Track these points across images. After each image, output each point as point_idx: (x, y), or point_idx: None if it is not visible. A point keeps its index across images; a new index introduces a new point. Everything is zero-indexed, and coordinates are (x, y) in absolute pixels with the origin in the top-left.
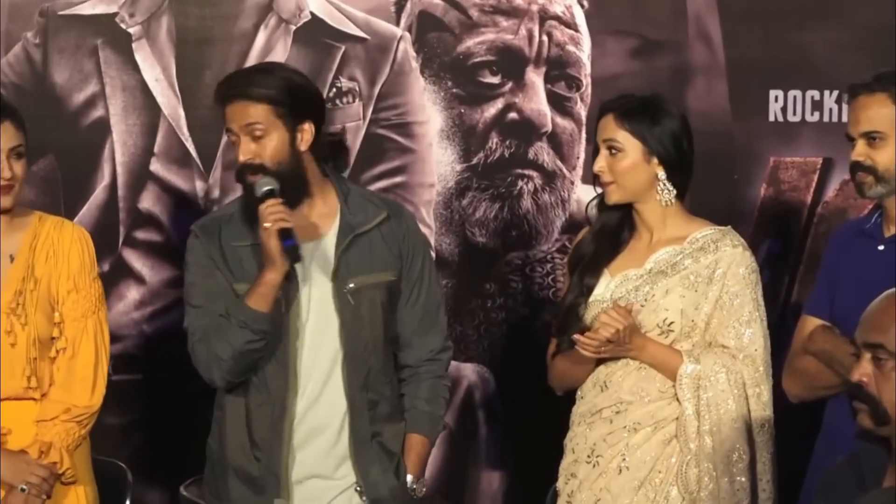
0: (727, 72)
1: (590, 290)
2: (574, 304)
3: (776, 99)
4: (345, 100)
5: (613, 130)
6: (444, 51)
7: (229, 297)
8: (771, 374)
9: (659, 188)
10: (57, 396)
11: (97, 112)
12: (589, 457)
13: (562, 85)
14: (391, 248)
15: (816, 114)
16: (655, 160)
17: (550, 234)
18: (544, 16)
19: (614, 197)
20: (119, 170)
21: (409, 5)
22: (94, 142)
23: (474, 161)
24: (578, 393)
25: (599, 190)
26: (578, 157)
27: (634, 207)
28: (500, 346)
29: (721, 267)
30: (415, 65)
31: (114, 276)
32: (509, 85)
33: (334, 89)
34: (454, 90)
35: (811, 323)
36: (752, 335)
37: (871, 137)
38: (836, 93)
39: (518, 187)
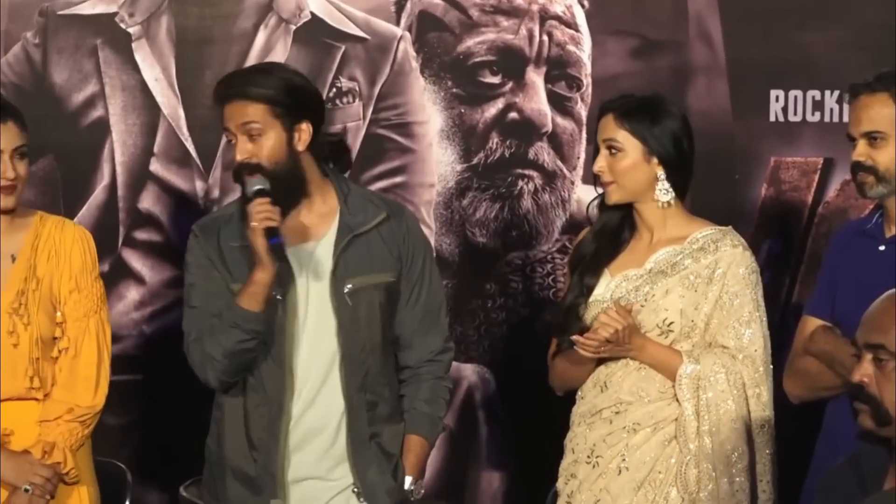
0: (728, 72)
1: (590, 290)
2: (574, 304)
3: (777, 99)
4: (345, 100)
5: (613, 130)
6: (445, 51)
7: (226, 298)
8: (771, 375)
9: (656, 189)
10: (60, 396)
11: (97, 112)
12: (589, 457)
13: (562, 85)
14: (390, 249)
15: (817, 114)
16: (655, 160)
17: (551, 234)
18: (545, 15)
19: (614, 197)
20: (119, 170)
21: (409, 5)
22: (94, 142)
23: (474, 161)
24: (579, 393)
25: (600, 190)
26: (579, 158)
27: (635, 207)
28: (500, 346)
29: (721, 267)
30: (415, 65)
31: (113, 277)
32: (510, 85)
33: (334, 89)
34: (454, 90)
35: (812, 323)
36: (751, 335)
37: (873, 137)
38: (837, 93)
39: (518, 187)
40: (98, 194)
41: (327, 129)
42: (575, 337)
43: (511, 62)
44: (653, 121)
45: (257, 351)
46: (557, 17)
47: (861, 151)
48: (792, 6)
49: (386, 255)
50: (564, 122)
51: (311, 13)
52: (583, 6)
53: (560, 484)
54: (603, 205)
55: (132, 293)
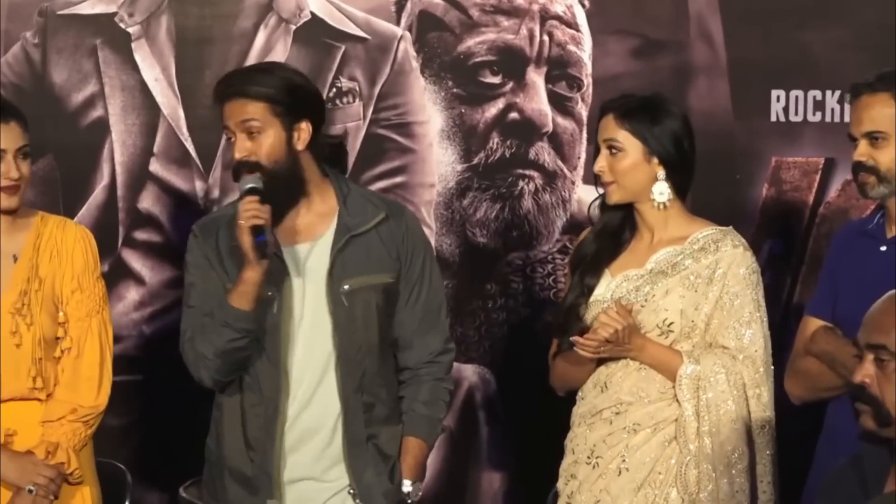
0: (729, 72)
1: (590, 290)
2: (575, 304)
3: (778, 99)
4: (345, 100)
5: (614, 130)
6: (445, 50)
7: (222, 298)
8: (772, 375)
9: (653, 189)
10: (63, 396)
11: (96, 112)
12: (589, 458)
13: (563, 85)
14: (389, 249)
15: (818, 114)
16: (656, 160)
17: (551, 234)
18: (545, 15)
19: (615, 197)
20: (118, 170)
21: (409, 5)
22: (94, 142)
23: (475, 161)
24: (579, 394)
25: (601, 190)
26: (579, 158)
27: (635, 207)
28: (500, 346)
29: (721, 267)
30: (415, 64)
31: (113, 277)
32: (510, 85)
33: (334, 89)
34: (455, 90)
35: (813, 324)
36: (752, 336)
37: (874, 137)
38: (838, 93)
39: (519, 187)
40: (98, 194)
41: (327, 129)
42: (574, 338)
43: (511, 62)
44: (653, 121)
45: (250, 350)
46: (558, 17)
47: (862, 151)
48: (793, 6)
49: (384, 255)
50: (565, 122)
51: (311, 13)
52: (583, 6)
53: (560, 484)
54: (604, 205)
55: (132, 293)
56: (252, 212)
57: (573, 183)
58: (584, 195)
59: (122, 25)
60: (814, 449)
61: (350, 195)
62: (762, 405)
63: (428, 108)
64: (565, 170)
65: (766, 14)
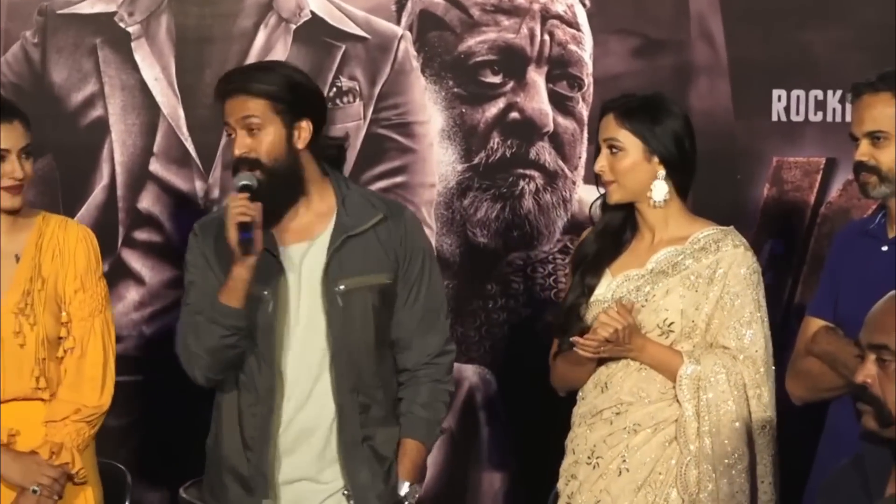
0: (730, 71)
1: (591, 290)
2: (575, 304)
3: (779, 98)
4: (345, 99)
5: (614, 130)
6: (446, 50)
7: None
8: (773, 376)
9: (651, 188)
10: (66, 396)
11: (96, 111)
12: (589, 458)
13: (563, 84)
14: (387, 250)
15: (819, 113)
16: (656, 159)
17: (552, 234)
18: (546, 15)
19: (615, 196)
20: (118, 170)
21: (409, 4)
22: (93, 141)
23: (475, 161)
24: (579, 394)
25: (601, 190)
26: (580, 157)
27: (636, 207)
28: (501, 347)
29: (722, 267)
30: (416, 64)
31: (113, 277)
32: (511, 84)
33: (335, 89)
34: (455, 90)
35: (815, 324)
36: (752, 336)
37: (875, 137)
38: (839, 92)
39: (519, 187)
40: (97, 194)
41: (328, 129)
42: (574, 338)
43: (512, 61)
44: (654, 120)
45: (242, 348)
46: (559, 17)
47: (864, 151)
48: (793, 6)
49: (382, 256)
50: (566, 122)
51: (312, 12)
52: (584, 5)
53: (560, 485)
54: (605, 205)
55: (132, 294)
56: (240, 208)
57: (574, 183)
58: (585, 195)
59: (122, 25)
60: (815, 449)
61: (349, 195)
62: (763, 405)
63: (428, 108)
64: (566, 169)
65: (766, 14)
